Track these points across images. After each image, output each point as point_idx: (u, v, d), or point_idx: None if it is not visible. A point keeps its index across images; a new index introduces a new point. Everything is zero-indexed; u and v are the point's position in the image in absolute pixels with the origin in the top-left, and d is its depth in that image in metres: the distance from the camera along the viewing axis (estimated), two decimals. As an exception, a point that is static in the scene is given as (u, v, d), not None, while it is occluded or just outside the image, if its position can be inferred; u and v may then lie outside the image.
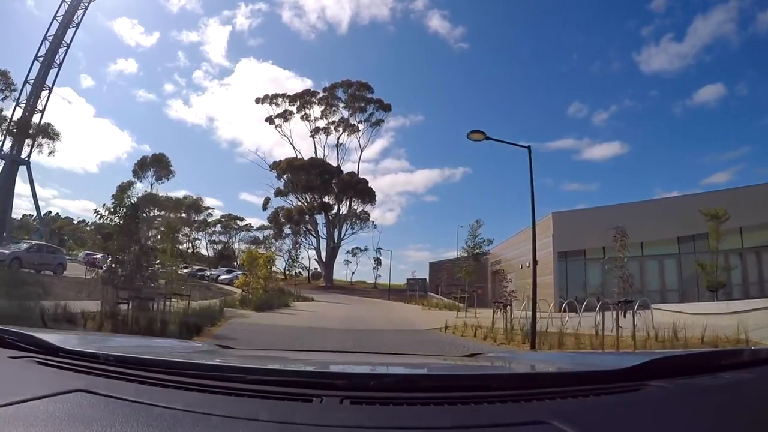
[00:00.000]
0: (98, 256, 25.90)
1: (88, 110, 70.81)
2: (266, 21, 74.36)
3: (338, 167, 50.60)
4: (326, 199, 48.50)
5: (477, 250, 20.86)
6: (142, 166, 47.36)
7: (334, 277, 52.71)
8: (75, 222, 66.33)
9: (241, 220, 64.13)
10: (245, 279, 19.70)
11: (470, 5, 60.63)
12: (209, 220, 65.35)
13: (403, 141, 71.29)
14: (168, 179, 48.73)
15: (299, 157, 50.52)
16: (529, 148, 10.12)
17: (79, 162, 79.20)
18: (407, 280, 43.10)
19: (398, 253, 58.26)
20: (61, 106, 60.80)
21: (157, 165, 47.45)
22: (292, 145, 52.78)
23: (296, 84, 54.71)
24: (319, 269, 53.13)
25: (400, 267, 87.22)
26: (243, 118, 79.04)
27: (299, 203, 47.89)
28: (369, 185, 50.18)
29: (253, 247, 58.98)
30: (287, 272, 35.28)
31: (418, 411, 0.84)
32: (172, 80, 79.90)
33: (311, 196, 48.32)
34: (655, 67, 54.08)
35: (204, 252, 65.48)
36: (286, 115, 53.36)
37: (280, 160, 50.81)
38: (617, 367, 1.10)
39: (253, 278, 19.83)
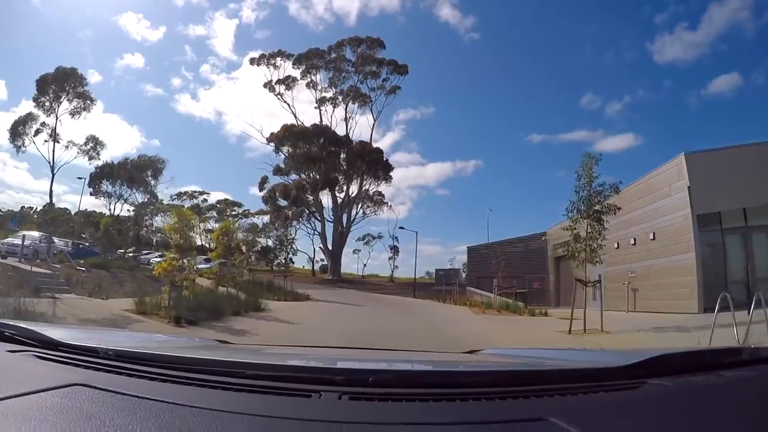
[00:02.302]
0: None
1: (97, 106, 66.39)
2: (273, 13, 71.21)
3: (347, 136, 41.68)
4: (333, 174, 39.47)
5: (597, 206, 11.53)
6: (42, 88, 31.82)
7: (342, 270, 44.01)
8: (72, 213, 62.26)
9: (239, 206, 56.73)
10: (171, 263, 10.90)
11: (482, -7, 56.23)
12: (202, 205, 58.85)
13: (415, 134, 70.42)
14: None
15: (300, 123, 41.60)
16: None
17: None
18: (436, 271, 34.09)
19: (410, 247, 54.19)
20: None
21: (63, 85, 32.18)
22: (294, 115, 43.86)
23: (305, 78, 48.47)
24: (324, 261, 44.35)
25: (412, 261, 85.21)
26: (251, 112, 77.26)
27: (300, 178, 38.84)
28: (384, 157, 41.14)
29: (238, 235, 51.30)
30: (286, 261, 26.12)
31: (417, 407, 0.83)
32: (179, 74, 78.38)
33: (315, 173, 39.34)
34: (669, 56, 50.69)
35: (199, 242, 58.91)
36: (288, 82, 44.67)
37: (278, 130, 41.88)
38: (617, 365, 1.08)
39: (189, 263, 11.05)
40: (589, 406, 0.88)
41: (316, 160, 38.33)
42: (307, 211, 41.24)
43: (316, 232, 42.32)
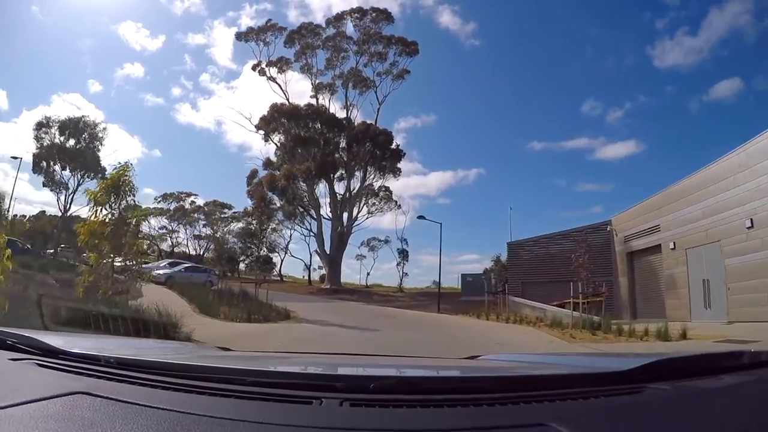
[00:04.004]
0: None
1: (98, 116, 66.90)
2: (272, 21, 67.85)
3: (347, 119, 35.24)
4: (330, 159, 32.83)
5: None
6: None
7: (342, 280, 37.13)
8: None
9: (229, 207, 50.66)
10: None
11: (482, -1, 56.96)
12: (187, 206, 53.06)
13: (415, 142, 69.55)
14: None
15: (292, 104, 35.13)
16: None
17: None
18: (462, 277, 27.22)
19: (411, 257, 54.34)
20: (70, 112, 54.18)
21: None
22: (287, 100, 37.42)
23: (305, 86, 43.65)
24: (322, 268, 37.47)
25: (414, 271, 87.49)
26: (252, 120, 71.31)
27: (290, 166, 32.04)
28: (393, 141, 34.52)
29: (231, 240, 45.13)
30: (258, 260, 19.20)
31: (418, 413, 0.83)
32: (179, 84, 76.49)
33: (309, 160, 32.66)
34: (670, 62, 51.09)
35: (187, 249, 53.12)
36: (281, 65, 38.46)
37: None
38: (617, 370, 1.08)
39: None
40: (589, 411, 0.87)
41: (310, 142, 31.81)
42: (300, 209, 34.65)
43: (312, 234, 35.65)
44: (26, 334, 1.21)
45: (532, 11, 55.61)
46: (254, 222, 15.70)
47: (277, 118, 33.15)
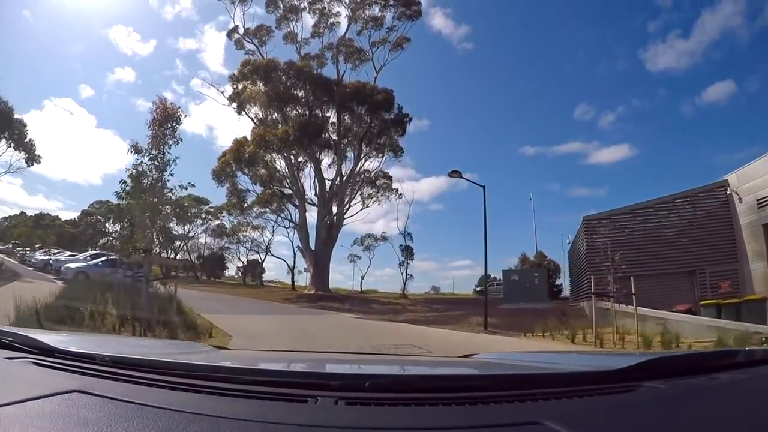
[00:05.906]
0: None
1: (90, 121, 68.31)
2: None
3: (338, 82, 28.08)
4: (314, 118, 25.49)
5: None
6: None
7: (332, 286, 29.71)
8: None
9: (206, 202, 43.45)
10: None
11: (474, 2, 56.10)
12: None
13: (408, 147, 62.34)
14: None
15: (269, 58, 27.86)
16: None
17: (84, 174, 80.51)
18: (504, 275, 19.68)
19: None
20: (62, 117, 56.24)
21: None
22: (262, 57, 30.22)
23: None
24: (307, 267, 29.90)
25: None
26: (242, 126, 68.46)
27: (261, 128, 24.63)
28: (394, 104, 27.30)
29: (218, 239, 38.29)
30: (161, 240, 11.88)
31: (413, 412, 0.83)
32: (170, 88, 72.00)
33: (289, 126, 25.32)
34: (662, 65, 51.59)
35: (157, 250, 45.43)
36: (261, 35, 31.40)
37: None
38: (612, 368, 1.07)
39: None
40: (584, 410, 0.87)
41: (290, 101, 24.59)
42: (279, 192, 27.35)
43: (293, 225, 28.29)
44: (23, 333, 1.20)
45: (524, 14, 54.27)
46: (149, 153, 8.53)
47: (249, 76, 25.90)
